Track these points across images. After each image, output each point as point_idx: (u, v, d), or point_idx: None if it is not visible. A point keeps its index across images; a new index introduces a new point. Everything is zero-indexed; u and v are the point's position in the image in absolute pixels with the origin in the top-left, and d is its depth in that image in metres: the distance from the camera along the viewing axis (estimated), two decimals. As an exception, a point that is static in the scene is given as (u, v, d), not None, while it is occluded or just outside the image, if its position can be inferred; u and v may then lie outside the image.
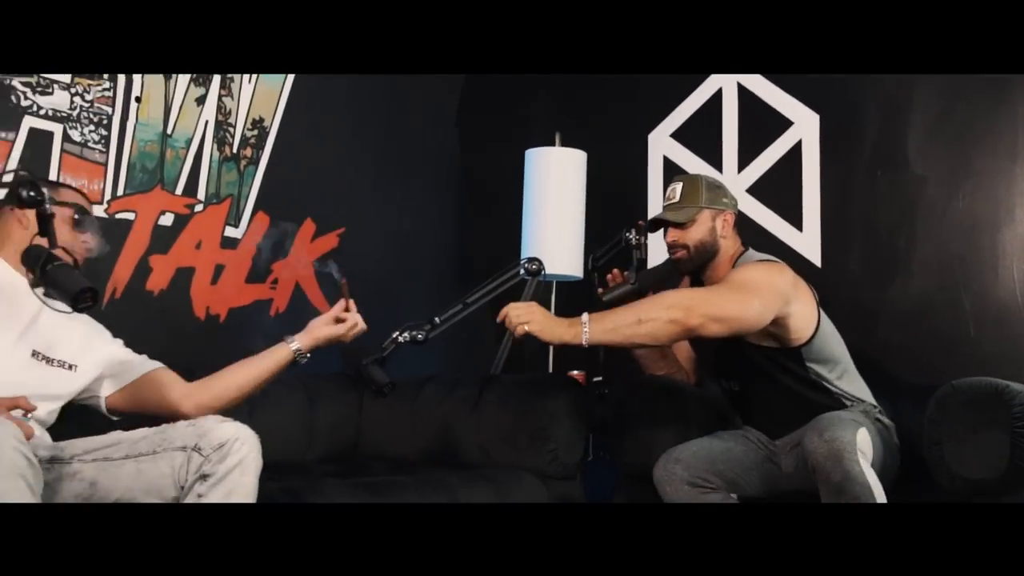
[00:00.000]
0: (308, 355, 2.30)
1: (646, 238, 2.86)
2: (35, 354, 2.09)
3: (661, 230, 2.78)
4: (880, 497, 2.19)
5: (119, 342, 2.31)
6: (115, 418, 2.24)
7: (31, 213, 2.00)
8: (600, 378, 3.42)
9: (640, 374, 3.00)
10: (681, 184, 2.73)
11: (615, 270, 2.85)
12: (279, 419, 2.92)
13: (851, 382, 2.66)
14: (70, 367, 2.16)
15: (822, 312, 2.63)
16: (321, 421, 3.07)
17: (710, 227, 2.69)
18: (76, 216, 2.18)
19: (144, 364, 2.28)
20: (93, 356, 2.22)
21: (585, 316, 2.39)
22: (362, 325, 2.36)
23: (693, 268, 2.73)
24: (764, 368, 2.64)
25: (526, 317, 2.39)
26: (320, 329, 2.33)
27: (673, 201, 2.71)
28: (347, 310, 2.35)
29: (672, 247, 2.71)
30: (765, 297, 2.47)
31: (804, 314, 2.56)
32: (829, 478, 2.18)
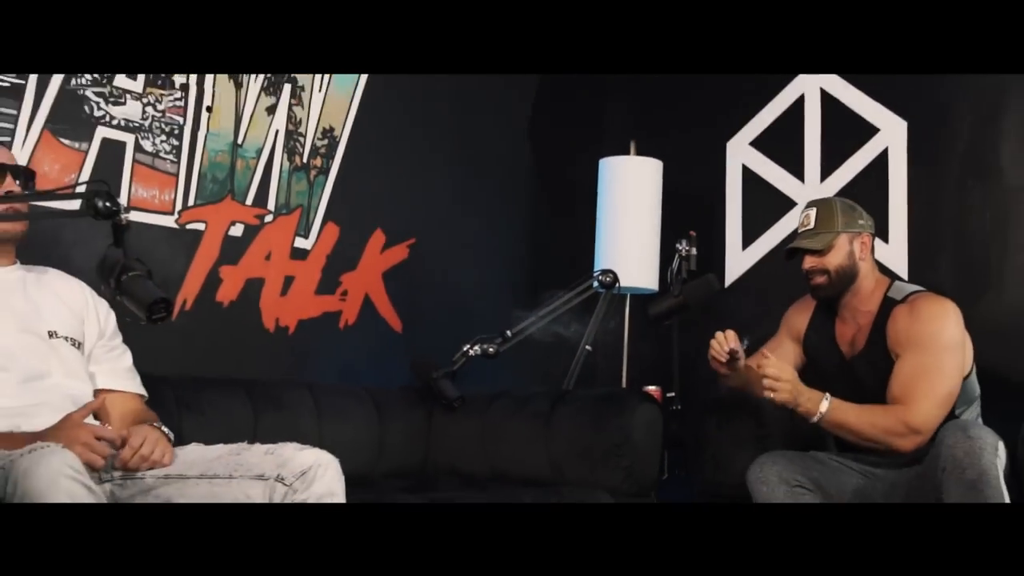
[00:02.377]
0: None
1: (695, 249, 3.07)
2: (51, 333, 2.14)
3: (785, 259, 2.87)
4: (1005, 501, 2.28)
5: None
6: None
7: None
8: (673, 393, 3.45)
9: (716, 390, 3.03)
10: (815, 209, 2.80)
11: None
12: (349, 432, 2.97)
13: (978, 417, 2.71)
14: (76, 344, 2.18)
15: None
16: (390, 435, 3.10)
17: (848, 251, 2.76)
18: None
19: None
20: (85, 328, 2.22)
21: (824, 404, 2.55)
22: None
23: (833, 294, 2.79)
24: None
25: (780, 388, 2.55)
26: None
27: (808, 227, 2.78)
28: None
29: (811, 274, 2.77)
30: (960, 360, 2.61)
31: (968, 360, 2.68)
32: (964, 475, 2.28)
